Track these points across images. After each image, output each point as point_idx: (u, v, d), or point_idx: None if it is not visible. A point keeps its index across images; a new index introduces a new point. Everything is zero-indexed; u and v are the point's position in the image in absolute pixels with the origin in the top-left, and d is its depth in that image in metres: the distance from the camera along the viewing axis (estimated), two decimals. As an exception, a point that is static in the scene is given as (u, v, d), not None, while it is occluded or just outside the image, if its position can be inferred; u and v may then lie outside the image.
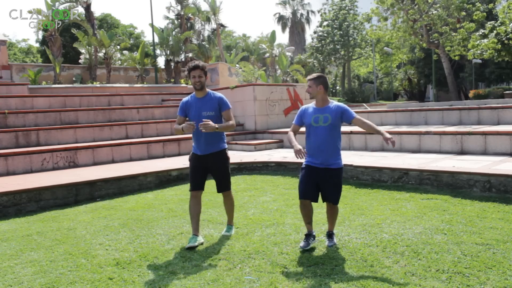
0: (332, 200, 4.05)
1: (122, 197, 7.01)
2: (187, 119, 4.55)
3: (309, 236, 4.05)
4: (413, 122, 11.41)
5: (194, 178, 4.52)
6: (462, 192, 5.93)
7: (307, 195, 4.01)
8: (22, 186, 6.60)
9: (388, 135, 3.76)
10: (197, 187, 4.52)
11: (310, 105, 4.16)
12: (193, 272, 3.60)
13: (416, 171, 6.66)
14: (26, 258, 4.19)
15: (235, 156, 9.96)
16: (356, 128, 10.98)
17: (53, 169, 8.79)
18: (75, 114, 11.76)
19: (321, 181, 4.00)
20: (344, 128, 11.70)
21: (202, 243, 4.33)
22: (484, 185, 5.91)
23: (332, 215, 4.15)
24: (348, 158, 8.44)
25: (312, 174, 4.01)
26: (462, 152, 8.17)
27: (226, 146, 4.64)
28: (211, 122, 4.19)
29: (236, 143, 11.73)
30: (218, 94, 4.54)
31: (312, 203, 4.07)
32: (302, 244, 4.03)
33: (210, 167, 4.55)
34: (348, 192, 6.45)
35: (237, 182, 7.82)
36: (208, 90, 4.52)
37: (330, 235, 4.17)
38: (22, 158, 8.52)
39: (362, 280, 3.25)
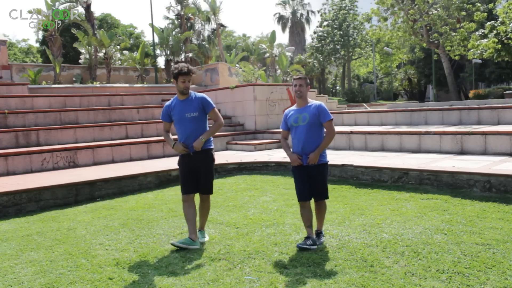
0: (319, 195, 4.15)
1: (122, 197, 7.02)
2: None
3: (308, 238, 4.07)
4: (413, 122, 11.40)
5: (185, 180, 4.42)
6: (462, 192, 5.93)
7: (304, 196, 4.12)
8: (22, 186, 6.60)
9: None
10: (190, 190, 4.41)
11: (292, 107, 4.27)
12: (193, 272, 3.60)
13: (416, 171, 6.66)
14: (26, 258, 4.19)
15: (235, 156, 9.96)
16: (356, 128, 11.00)
17: (53, 169, 8.79)
18: (75, 114, 11.75)
19: (310, 179, 4.11)
20: (344, 128, 11.73)
21: (196, 248, 4.19)
22: (484, 185, 5.91)
23: (320, 211, 4.23)
24: (348, 158, 8.43)
25: (302, 174, 4.12)
26: (462, 152, 8.17)
27: (212, 145, 4.51)
28: (197, 140, 4.24)
29: (236, 143, 11.73)
30: (200, 94, 4.43)
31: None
32: (299, 242, 4.08)
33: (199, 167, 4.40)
34: (348, 192, 6.45)
35: (237, 182, 7.82)
36: (190, 91, 4.41)
37: (318, 234, 4.22)
38: (22, 158, 8.52)
39: (362, 280, 3.25)
